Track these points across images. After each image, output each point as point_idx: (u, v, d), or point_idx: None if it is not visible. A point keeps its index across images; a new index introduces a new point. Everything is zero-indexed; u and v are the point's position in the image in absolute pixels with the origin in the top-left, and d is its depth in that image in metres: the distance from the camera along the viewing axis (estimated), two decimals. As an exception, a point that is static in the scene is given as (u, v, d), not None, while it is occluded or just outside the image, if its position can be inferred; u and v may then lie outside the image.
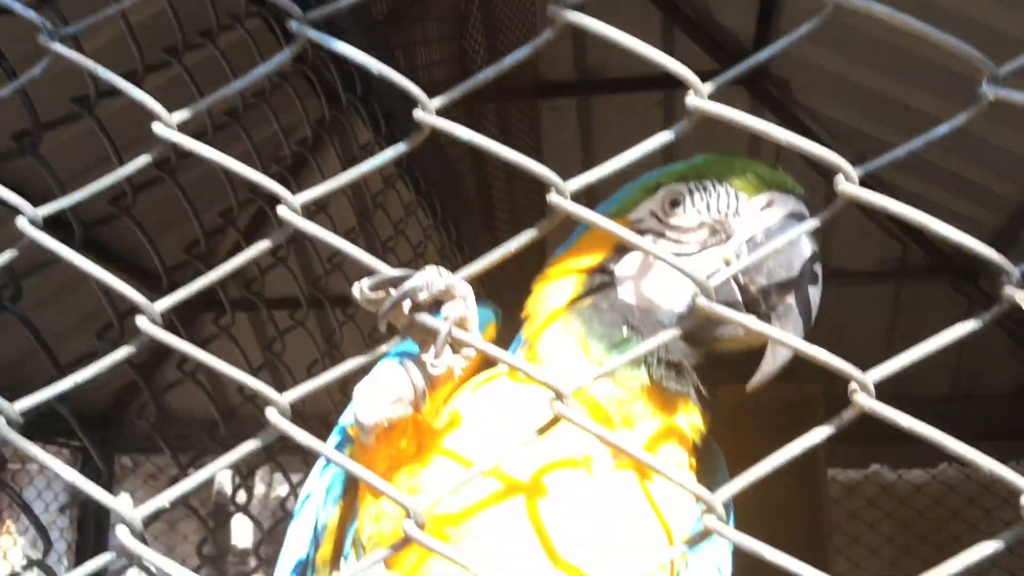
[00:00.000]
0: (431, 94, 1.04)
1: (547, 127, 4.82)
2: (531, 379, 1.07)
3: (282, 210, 1.08)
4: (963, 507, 5.29)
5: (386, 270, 1.10)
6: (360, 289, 1.11)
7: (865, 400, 0.94)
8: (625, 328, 1.32)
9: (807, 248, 1.27)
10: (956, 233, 0.93)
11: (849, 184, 0.90)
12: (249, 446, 1.09)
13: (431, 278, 1.12)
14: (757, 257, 1.12)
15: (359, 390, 1.20)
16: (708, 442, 1.40)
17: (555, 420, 1.05)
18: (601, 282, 1.36)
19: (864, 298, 4.95)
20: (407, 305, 1.11)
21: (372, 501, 1.31)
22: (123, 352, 1.12)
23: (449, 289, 1.13)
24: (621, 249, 1.36)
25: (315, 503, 1.44)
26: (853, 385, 0.94)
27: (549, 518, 1.26)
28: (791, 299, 1.27)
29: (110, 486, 5.43)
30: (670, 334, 1.05)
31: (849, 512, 5.11)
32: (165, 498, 1.13)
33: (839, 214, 0.96)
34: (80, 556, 5.49)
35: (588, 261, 1.39)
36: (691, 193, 1.35)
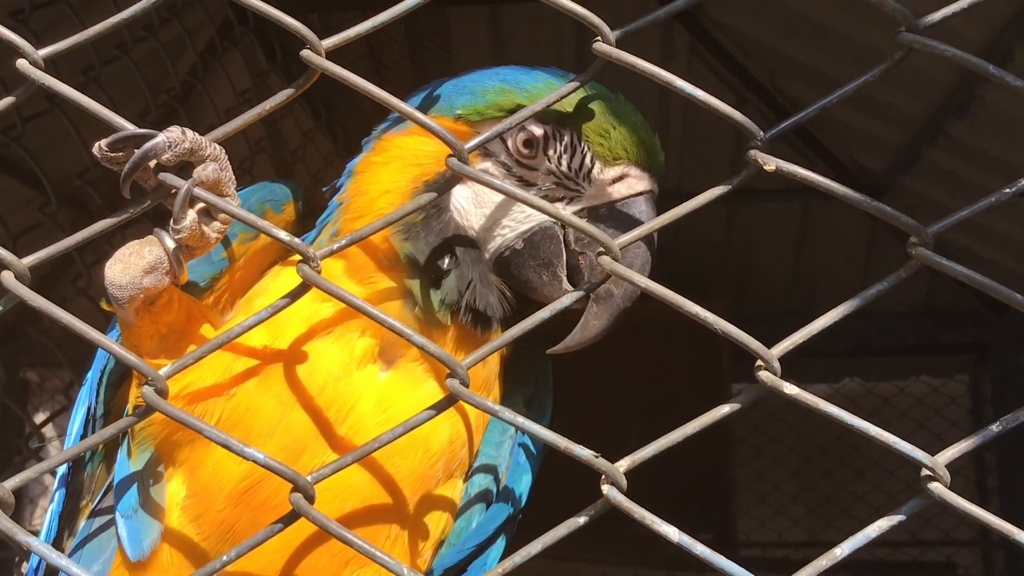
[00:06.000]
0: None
1: (457, 36, 4.65)
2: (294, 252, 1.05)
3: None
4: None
5: (127, 127, 1.07)
6: (99, 147, 1.07)
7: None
8: (448, 259, 1.28)
9: (646, 246, 1.25)
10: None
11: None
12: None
13: (175, 137, 1.07)
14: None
15: (109, 264, 1.12)
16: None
17: (304, 286, 1.06)
18: (437, 202, 1.26)
19: (773, 215, 4.99)
20: (154, 166, 1.07)
21: (138, 381, 1.25)
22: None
23: (196, 149, 1.08)
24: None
25: (92, 387, 1.40)
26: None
27: (318, 400, 1.24)
28: (613, 285, 1.24)
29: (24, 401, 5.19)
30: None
31: (753, 425, 5.26)
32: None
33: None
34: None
35: (426, 163, 1.30)
36: (547, 140, 1.30)
